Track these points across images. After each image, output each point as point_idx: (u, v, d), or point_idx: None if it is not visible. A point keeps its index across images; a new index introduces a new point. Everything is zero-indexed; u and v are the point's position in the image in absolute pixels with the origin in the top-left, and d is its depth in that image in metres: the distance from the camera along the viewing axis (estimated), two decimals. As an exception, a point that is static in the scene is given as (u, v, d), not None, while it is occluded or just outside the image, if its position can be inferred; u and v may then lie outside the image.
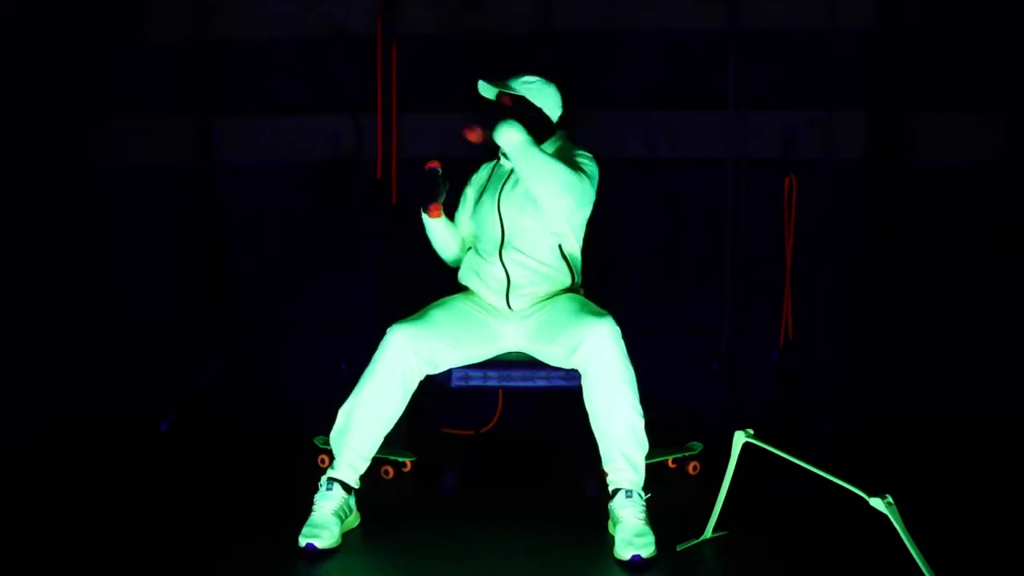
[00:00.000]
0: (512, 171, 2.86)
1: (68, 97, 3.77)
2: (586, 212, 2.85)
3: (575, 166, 2.75)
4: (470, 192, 3.00)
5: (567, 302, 2.76)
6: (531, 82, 2.86)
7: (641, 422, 2.54)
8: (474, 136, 2.72)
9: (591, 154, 2.87)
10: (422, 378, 2.64)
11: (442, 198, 2.87)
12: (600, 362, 2.52)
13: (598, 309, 2.64)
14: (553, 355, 2.70)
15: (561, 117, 2.92)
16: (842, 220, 3.71)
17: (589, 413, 2.56)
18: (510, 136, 2.65)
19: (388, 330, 2.61)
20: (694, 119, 3.72)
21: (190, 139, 3.82)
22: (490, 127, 2.68)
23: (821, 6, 3.66)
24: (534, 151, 2.65)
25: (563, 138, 2.94)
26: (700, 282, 3.77)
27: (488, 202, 2.88)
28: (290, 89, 3.81)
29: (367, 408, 2.57)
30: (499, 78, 2.88)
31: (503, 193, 2.85)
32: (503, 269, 2.81)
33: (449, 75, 3.73)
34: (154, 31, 3.81)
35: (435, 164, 2.88)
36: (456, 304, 2.81)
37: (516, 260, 2.80)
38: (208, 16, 3.78)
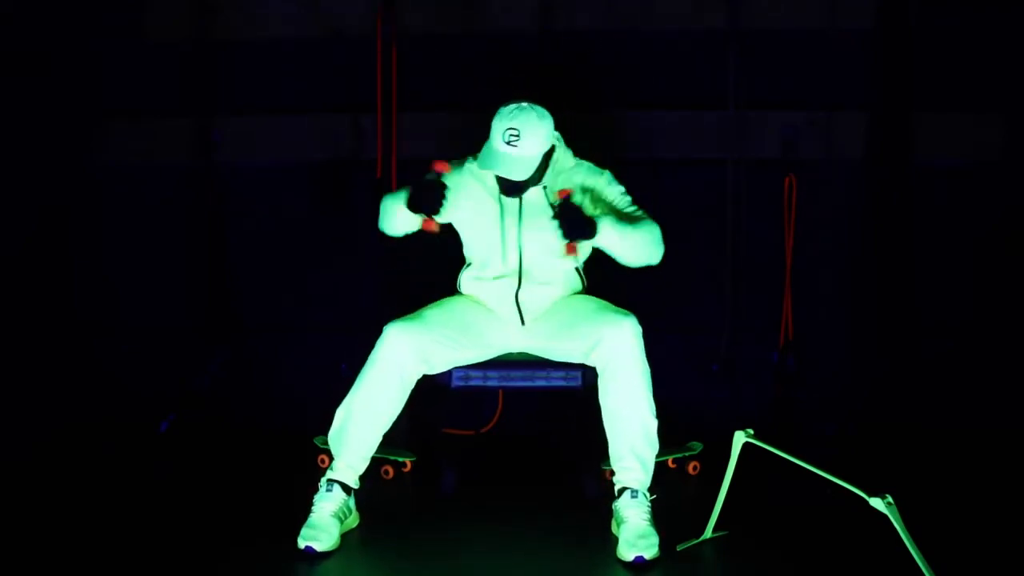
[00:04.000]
0: (520, 204, 2.71)
1: (68, 97, 3.76)
2: None
3: (626, 202, 2.71)
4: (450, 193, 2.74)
5: (585, 301, 2.76)
6: (538, 125, 2.58)
7: (655, 423, 2.56)
8: (575, 251, 2.53)
9: (592, 164, 2.80)
10: (419, 377, 2.63)
11: (444, 213, 2.56)
12: (621, 359, 2.52)
13: (620, 308, 2.64)
14: (567, 351, 2.68)
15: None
16: (842, 220, 3.71)
17: (603, 410, 2.57)
18: (607, 239, 2.54)
19: (384, 328, 2.60)
20: (694, 119, 3.71)
21: (190, 139, 3.81)
22: (578, 234, 2.48)
23: (821, 6, 3.65)
24: (620, 233, 2.55)
25: (564, 147, 2.77)
26: (700, 282, 3.76)
27: (497, 231, 2.72)
28: (290, 89, 3.81)
29: (364, 408, 2.56)
30: (506, 150, 2.54)
31: (523, 230, 2.71)
32: (516, 305, 2.78)
33: (449, 75, 3.73)
34: (154, 31, 3.81)
35: (444, 167, 2.58)
36: (455, 304, 2.80)
37: (532, 290, 2.77)
38: (208, 16, 3.77)
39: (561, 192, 2.54)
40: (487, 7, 3.74)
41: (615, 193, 2.74)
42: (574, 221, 2.47)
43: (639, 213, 2.70)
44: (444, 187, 2.53)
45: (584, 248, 2.67)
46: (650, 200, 3.70)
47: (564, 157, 2.77)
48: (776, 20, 3.68)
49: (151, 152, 3.82)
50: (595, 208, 2.71)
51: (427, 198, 2.53)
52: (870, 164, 3.69)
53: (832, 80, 3.66)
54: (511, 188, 2.66)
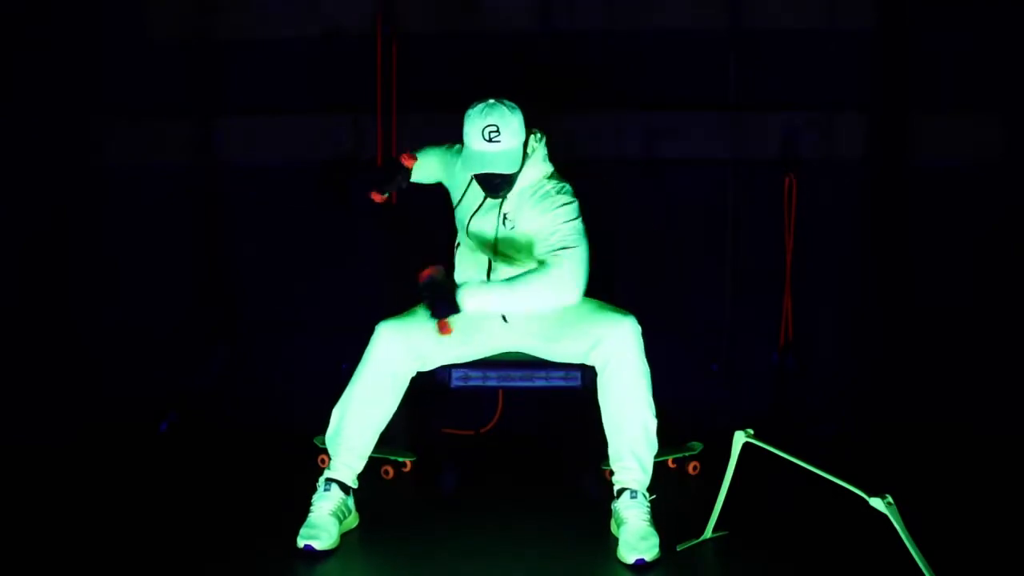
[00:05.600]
0: (496, 206, 2.69)
1: (69, 96, 3.76)
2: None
3: (556, 236, 2.56)
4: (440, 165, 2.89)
5: (582, 301, 2.75)
6: (511, 117, 2.56)
7: (654, 423, 2.56)
8: (447, 329, 2.52)
9: (567, 186, 2.66)
10: (413, 374, 2.63)
11: (385, 193, 2.80)
12: (621, 359, 2.52)
13: (620, 308, 2.64)
14: (567, 351, 2.67)
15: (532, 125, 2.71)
16: (842, 220, 3.71)
17: (603, 410, 2.57)
18: (482, 304, 2.51)
19: (376, 327, 2.61)
20: (694, 119, 3.72)
21: (190, 139, 3.81)
22: (444, 311, 2.50)
23: (821, 6, 3.66)
24: (498, 296, 2.52)
25: (543, 149, 2.71)
26: (700, 282, 3.76)
27: (470, 235, 2.75)
28: (290, 89, 3.81)
29: (359, 406, 2.57)
30: (489, 147, 2.53)
31: (501, 221, 2.70)
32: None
33: (449, 75, 3.73)
34: (155, 31, 3.80)
35: (409, 162, 2.80)
36: None
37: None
38: (209, 16, 3.77)
39: (423, 273, 2.54)
40: (487, 7, 3.74)
41: (554, 223, 2.59)
42: (438, 299, 2.51)
43: (559, 249, 2.54)
44: (400, 171, 2.78)
45: (457, 319, 2.59)
46: (650, 200, 3.73)
47: (542, 163, 2.70)
48: (776, 20, 3.68)
49: (151, 152, 3.82)
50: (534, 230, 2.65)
51: (381, 177, 2.78)
52: (870, 164, 3.69)
53: (832, 80, 3.66)
54: (496, 187, 2.63)
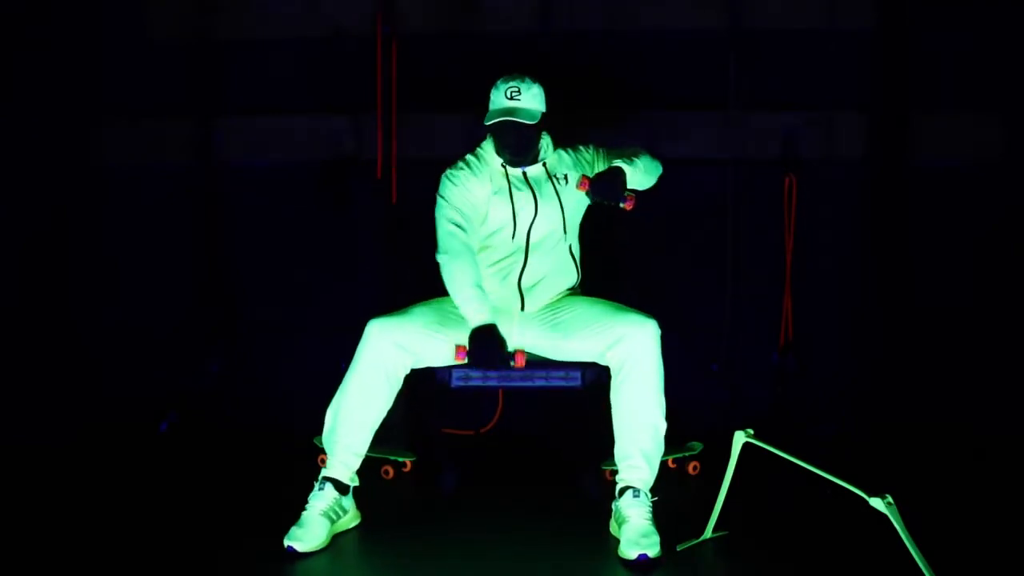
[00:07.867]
0: (527, 181, 2.83)
1: (69, 96, 3.77)
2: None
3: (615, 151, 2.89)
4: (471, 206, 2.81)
5: (596, 301, 2.77)
6: (534, 85, 2.79)
7: (664, 425, 2.58)
8: (633, 204, 2.69)
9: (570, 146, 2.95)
10: (407, 372, 2.63)
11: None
12: (639, 361, 2.54)
13: (639, 310, 2.66)
14: (578, 350, 2.68)
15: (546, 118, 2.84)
16: (842, 220, 3.71)
17: (614, 408, 2.58)
18: (631, 180, 2.73)
19: (367, 325, 2.62)
20: (694, 119, 3.72)
21: (190, 139, 3.81)
22: (619, 194, 2.67)
23: (821, 6, 3.66)
24: (633, 168, 2.75)
25: (549, 140, 2.90)
26: (700, 282, 3.76)
27: (503, 223, 2.81)
28: (290, 89, 3.81)
29: (352, 405, 2.58)
30: (510, 103, 2.74)
31: (520, 215, 2.80)
32: (519, 295, 2.81)
33: (449, 75, 3.73)
34: (155, 31, 3.81)
35: (521, 362, 2.65)
36: (445, 302, 2.79)
37: (532, 279, 2.81)
38: (209, 16, 3.77)
39: (583, 183, 2.70)
40: (487, 7, 3.74)
41: (603, 150, 2.95)
42: (609, 187, 2.68)
43: (629, 150, 2.87)
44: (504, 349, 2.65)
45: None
46: (650, 200, 3.72)
47: (549, 147, 2.91)
48: (776, 20, 3.68)
49: (151, 152, 3.82)
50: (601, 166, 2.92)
51: (489, 357, 2.64)
52: (870, 164, 3.69)
53: (832, 80, 3.67)
54: (515, 147, 2.78)
